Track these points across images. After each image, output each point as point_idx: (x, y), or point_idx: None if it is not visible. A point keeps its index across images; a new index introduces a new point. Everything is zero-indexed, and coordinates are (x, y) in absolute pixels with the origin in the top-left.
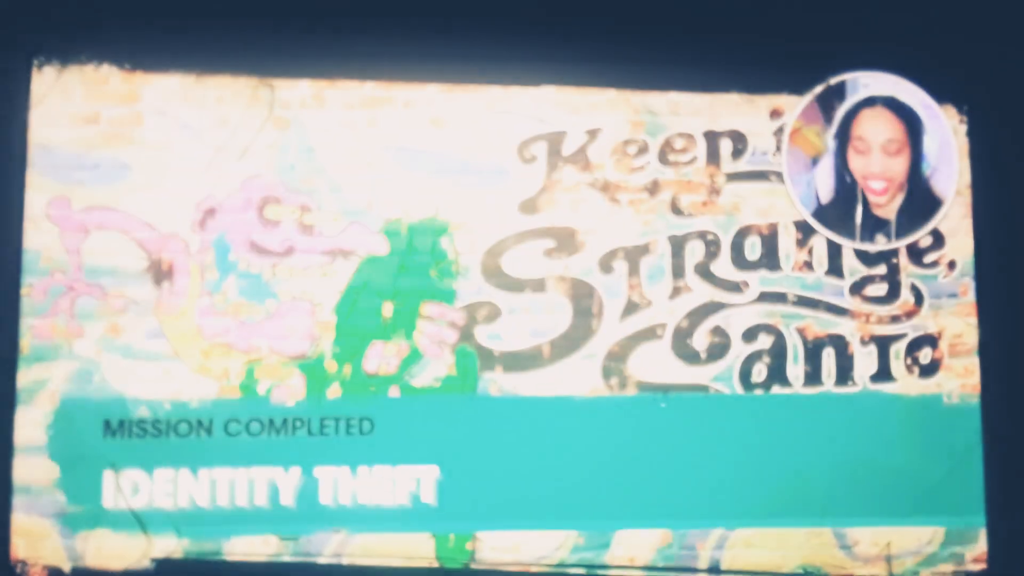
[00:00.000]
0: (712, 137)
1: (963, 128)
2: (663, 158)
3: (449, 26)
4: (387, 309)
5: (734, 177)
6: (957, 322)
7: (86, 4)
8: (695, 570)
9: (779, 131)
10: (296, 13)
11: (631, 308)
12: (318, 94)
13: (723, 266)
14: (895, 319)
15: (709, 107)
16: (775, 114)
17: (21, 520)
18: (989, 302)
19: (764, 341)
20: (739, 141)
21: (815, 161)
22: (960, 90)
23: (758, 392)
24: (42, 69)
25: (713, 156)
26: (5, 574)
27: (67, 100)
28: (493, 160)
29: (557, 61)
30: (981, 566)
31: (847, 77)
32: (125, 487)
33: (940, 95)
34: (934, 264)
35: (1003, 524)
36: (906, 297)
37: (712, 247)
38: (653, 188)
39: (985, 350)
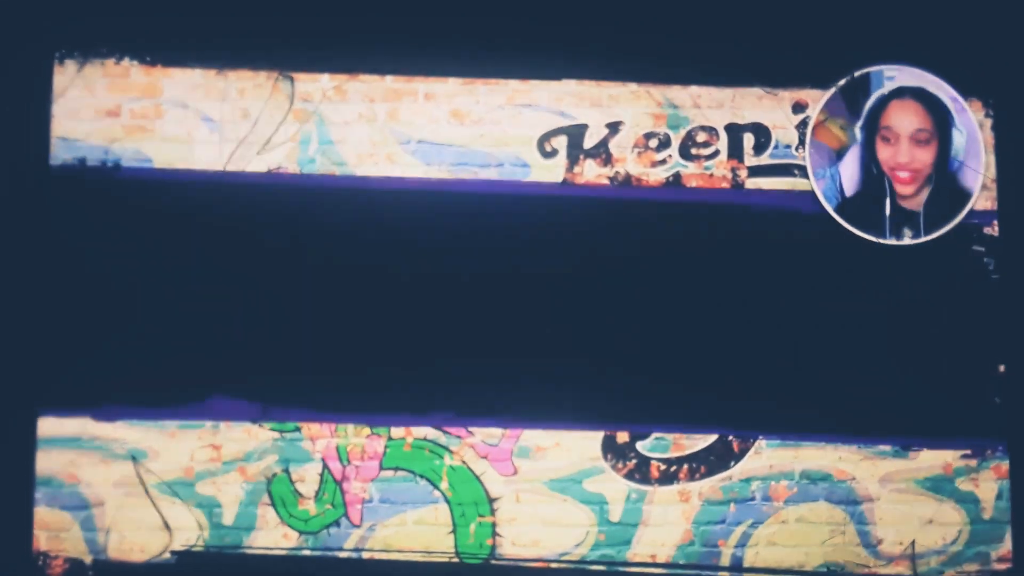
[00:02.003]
0: (734, 131)
1: (989, 122)
2: (685, 152)
3: (470, 19)
4: None
5: (756, 171)
6: None
7: None
8: (717, 568)
9: (802, 124)
10: (317, 6)
11: None
12: (339, 87)
13: None
14: None
15: (731, 100)
16: (798, 107)
17: (43, 513)
18: (1015, 296)
19: None
20: (762, 135)
21: (839, 154)
22: (986, 84)
23: None
24: (63, 63)
25: (735, 150)
26: (28, 566)
27: (88, 94)
28: (514, 153)
29: (578, 54)
30: (1006, 565)
31: (872, 70)
32: (146, 479)
33: (966, 89)
34: None
35: None
36: None
37: None
38: (675, 182)
39: (1012, 347)
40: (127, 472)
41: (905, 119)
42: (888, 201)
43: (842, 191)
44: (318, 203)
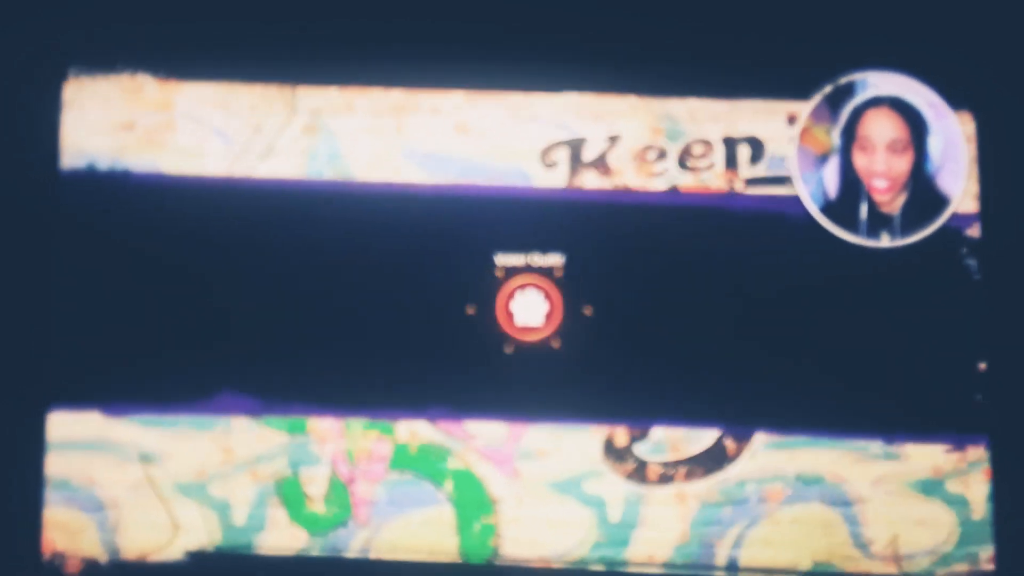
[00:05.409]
0: (730, 143)
1: (972, 125)
2: (682, 164)
3: (474, 33)
4: None
5: (752, 182)
6: None
7: (121, 14)
8: (713, 567)
9: (795, 135)
10: (326, 22)
11: None
12: (347, 100)
13: None
14: None
15: (727, 113)
16: (792, 119)
17: (59, 513)
18: (996, 303)
19: None
20: (757, 146)
21: (824, 159)
22: (969, 88)
23: None
24: (78, 77)
25: (731, 162)
26: (43, 566)
27: (102, 108)
28: (516, 166)
29: (578, 67)
30: (995, 566)
31: (856, 77)
32: (159, 480)
33: (949, 93)
34: None
35: (1015, 523)
36: None
37: None
38: (672, 193)
39: (996, 348)
40: (140, 474)
41: (881, 128)
42: (864, 205)
43: (827, 195)
44: (322, 207)
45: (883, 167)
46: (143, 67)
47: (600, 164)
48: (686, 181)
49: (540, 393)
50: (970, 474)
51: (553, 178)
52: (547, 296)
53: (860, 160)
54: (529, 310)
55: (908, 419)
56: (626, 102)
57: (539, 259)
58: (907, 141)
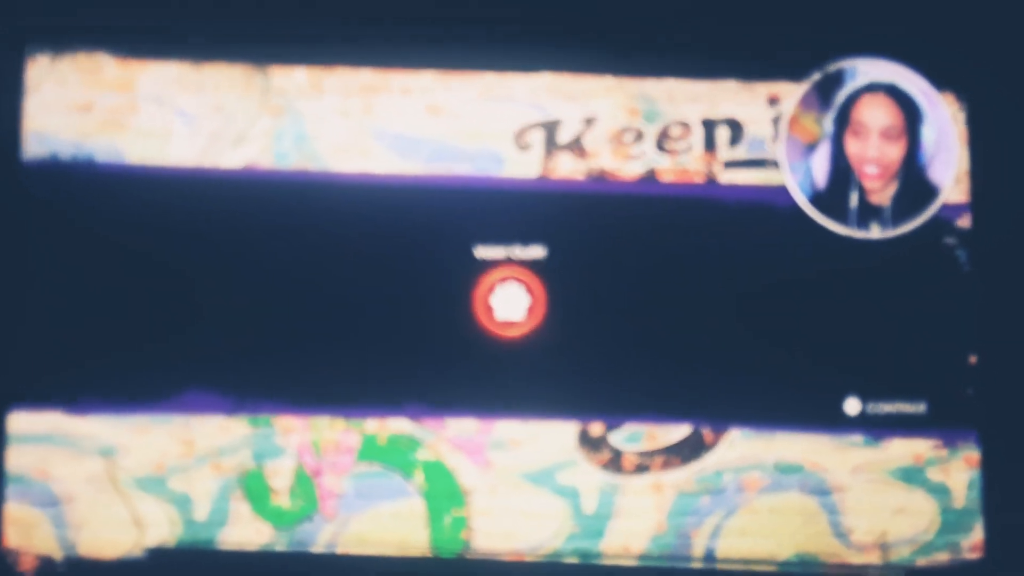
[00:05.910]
0: (709, 125)
1: (962, 115)
2: (660, 146)
3: (446, 11)
4: None
5: (732, 165)
6: None
7: None
8: (690, 558)
9: (777, 118)
10: None
11: None
12: (314, 81)
13: None
14: None
15: (706, 94)
16: (773, 101)
17: (13, 509)
18: (986, 293)
19: None
20: (736, 128)
21: (812, 148)
22: (959, 76)
23: None
24: (35, 57)
25: (710, 144)
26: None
27: (61, 88)
28: (489, 147)
29: (553, 47)
30: (977, 555)
31: (845, 65)
32: (117, 475)
33: (939, 81)
34: None
35: (1000, 513)
36: None
37: None
38: (649, 176)
39: (983, 339)
40: (98, 468)
41: (875, 114)
42: (856, 194)
43: (815, 185)
44: (293, 197)
45: (876, 153)
46: (102, 45)
47: (575, 146)
48: (663, 164)
49: (520, 390)
50: (951, 462)
51: (527, 160)
52: (528, 290)
53: (852, 145)
54: (510, 304)
55: (895, 414)
56: (602, 82)
57: (520, 251)
58: (901, 129)
